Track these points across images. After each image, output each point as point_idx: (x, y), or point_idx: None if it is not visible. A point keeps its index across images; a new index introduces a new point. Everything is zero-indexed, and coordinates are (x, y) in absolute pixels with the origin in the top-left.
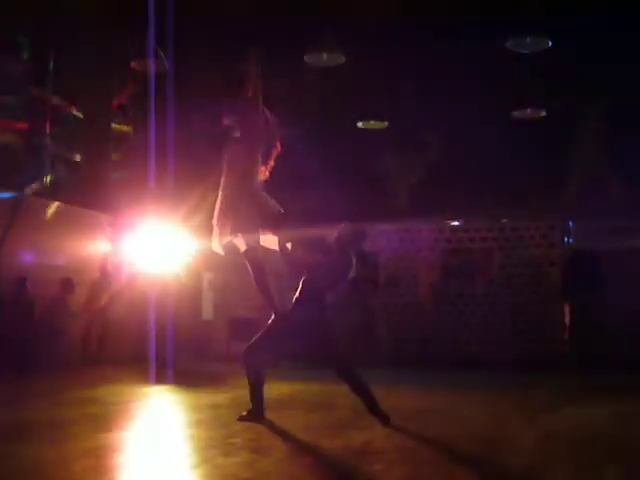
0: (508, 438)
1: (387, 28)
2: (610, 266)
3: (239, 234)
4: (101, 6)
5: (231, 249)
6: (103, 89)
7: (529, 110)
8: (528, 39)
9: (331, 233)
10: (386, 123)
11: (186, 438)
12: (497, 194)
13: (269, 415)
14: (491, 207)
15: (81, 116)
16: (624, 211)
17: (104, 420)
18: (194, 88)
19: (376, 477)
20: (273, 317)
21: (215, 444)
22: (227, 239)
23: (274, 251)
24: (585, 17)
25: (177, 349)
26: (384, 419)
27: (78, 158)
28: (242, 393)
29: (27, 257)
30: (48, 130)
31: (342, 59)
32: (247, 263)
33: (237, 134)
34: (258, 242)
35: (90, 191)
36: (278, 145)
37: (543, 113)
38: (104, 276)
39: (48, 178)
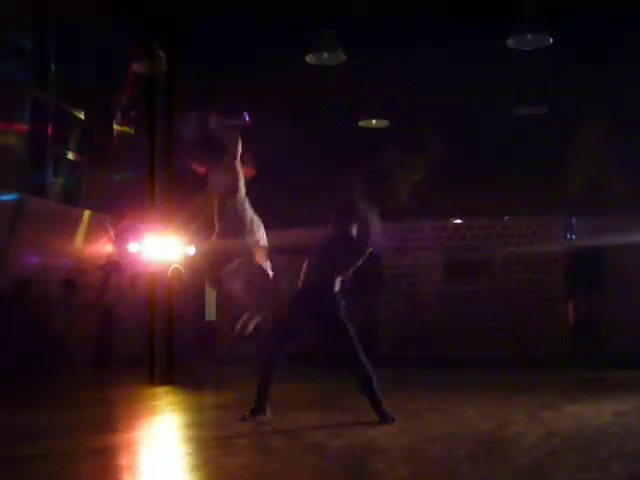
0: (511, 436)
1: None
2: (613, 263)
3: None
4: (102, 6)
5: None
6: (104, 90)
7: (531, 107)
8: (529, 36)
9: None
10: (387, 122)
11: (190, 438)
12: (499, 191)
13: (272, 415)
14: (494, 204)
15: (82, 117)
16: (626, 208)
17: (109, 421)
18: (196, 89)
19: (380, 476)
20: (273, 317)
21: (219, 444)
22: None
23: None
24: (586, 14)
25: (181, 350)
26: (388, 419)
27: (79, 159)
28: (246, 394)
29: (31, 259)
30: (50, 132)
31: (343, 57)
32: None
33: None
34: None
35: (92, 192)
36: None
37: (545, 110)
38: (107, 277)
39: (50, 180)
